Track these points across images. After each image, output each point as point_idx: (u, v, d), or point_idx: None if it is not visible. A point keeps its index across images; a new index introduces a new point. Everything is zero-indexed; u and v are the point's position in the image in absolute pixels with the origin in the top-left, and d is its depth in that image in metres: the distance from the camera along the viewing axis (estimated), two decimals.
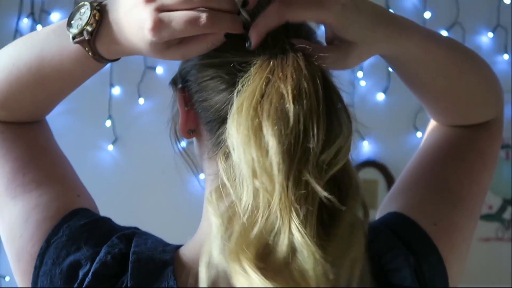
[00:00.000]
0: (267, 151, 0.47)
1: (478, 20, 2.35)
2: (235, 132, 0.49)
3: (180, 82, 0.62)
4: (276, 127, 0.47)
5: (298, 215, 0.46)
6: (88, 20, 0.55)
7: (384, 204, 0.70)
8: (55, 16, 2.27)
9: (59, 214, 0.62)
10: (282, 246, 0.46)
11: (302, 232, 0.45)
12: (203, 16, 0.50)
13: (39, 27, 2.25)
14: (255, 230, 0.47)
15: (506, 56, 2.34)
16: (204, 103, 0.58)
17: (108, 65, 2.25)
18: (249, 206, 0.48)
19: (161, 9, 0.50)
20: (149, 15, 0.50)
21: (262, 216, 0.47)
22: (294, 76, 0.50)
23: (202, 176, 0.68)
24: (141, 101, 2.27)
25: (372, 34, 0.56)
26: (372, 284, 0.57)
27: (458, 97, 0.68)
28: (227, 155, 0.52)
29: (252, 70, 0.52)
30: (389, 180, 2.33)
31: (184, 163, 0.70)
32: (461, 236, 0.66)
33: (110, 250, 0.58)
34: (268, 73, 0.51)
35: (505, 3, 2.32)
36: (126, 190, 2.27)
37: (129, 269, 0.56)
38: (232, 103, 0.52)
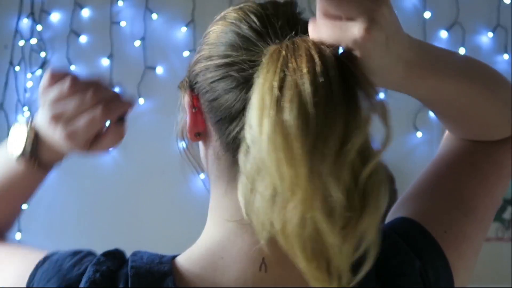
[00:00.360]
0: (293, 154, 0.47)
1: (478, 20, 2.35)
2: (258, 131, 0.48)
3: (189, 85, 0.62)
4: (300, 128, 0.47)
5: (322, 208, 0.46)
6: (26, 139, 0.65)
7: (394, 209, 0.69)
8: (55, 16, 2.27)
9: (30, 267, 0.63)
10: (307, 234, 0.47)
11: (326, 225, 0.46)
12: (97, 111, 0.59)
13: (39, 27, 2.26)
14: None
15: (506, 56, 2.35)
16: (214, 103, 0.58)
17: (108, 65, 2.24)
18: (266, 203, 0.48)
19: (67, 122, 0.59)
20: (59, 132, 0.60)
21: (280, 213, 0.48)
22: (309, 68, 0.48)
23: (202, 176, 0.68)
24: (141, 101, 2.27)
25: (387, 73, 0.53)
26: (377, 286, 0.57)
27: (474, 121, 0.67)
28: (246, 151, 0.51)
29: (264, 61, 0.51)
30: (389, 180, 2.33)
31: (188, 164, 0.70)
32: (470, 244, 0.65)
33: (98, 268, 0.59)
34: (282, 66, 0.50)
35: (505, 3, 2.32)
36: (126, 190, 2.27)
37: (129, 284, 0.57)
38: (243, 100, 0.53)
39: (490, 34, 2.34)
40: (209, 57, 0.59)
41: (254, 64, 0.54)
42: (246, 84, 0.54)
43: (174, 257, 0.61)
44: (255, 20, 0.57)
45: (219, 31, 0.59)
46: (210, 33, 0.61)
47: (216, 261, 0.58)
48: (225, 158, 0.58)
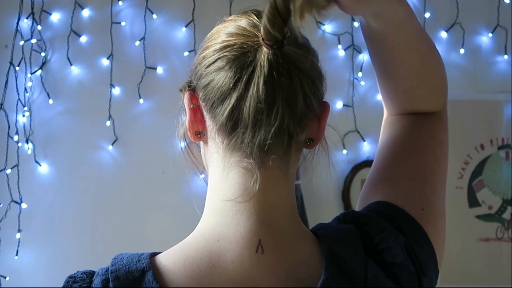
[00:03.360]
0: None
1: (478, 20, 2.35)
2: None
3: (188, 84, 0.67)
4: None
5: None
6: None
7: (363, 197, 0.73)
8: (55, 16, 2.28)
9: None
10: None
11: None
12: None
13: (39, 27, 2.26)
14: None
15: (506, 56, 2.35)
16: (208, 87, 0.62)
17: (108, 65, 2.25)
18: None
19: None
20: None
21: None
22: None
23: (202, 176, 0.69)
24: (141, 101, 2.27)
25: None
26: (370, 262, 0.60)
27: (425, 75, 0.73)
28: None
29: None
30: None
31: (189, 165, 0.73)
32: (441, 219, 0.70)
33: (82, 285, 0.61)
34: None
35: (505, 3, 2.32)
36: (126, 190, 2.27)
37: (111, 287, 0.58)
38: (231, 77, 0.59)
39: (490, 34, 2.34)
40: (208, 47, 0.64)
41: (244, 45, 0.60)
42: (236, 61, 0.60)
43: (155, 253, 0.63)
44: (254, 17, 0.64)
45: (220, 27, 0.65)
46: (211, 31, 0.66)
47: (212, 244, 0.60)
48: (221, 142, 0.62)
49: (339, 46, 2.32)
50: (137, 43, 2.28)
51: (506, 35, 2.34)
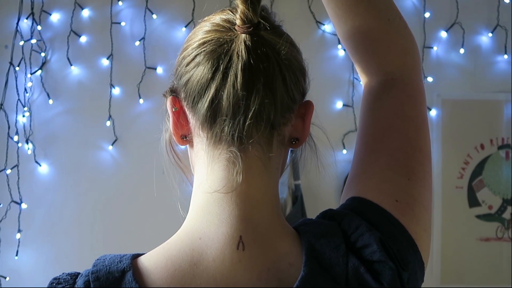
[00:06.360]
0: None
1: (477, 20, 2.35)
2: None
3: (170, 89, 0.67)
4: None
5: None
6: None
7: (343, 193, 0.72)
8: (55, 16, 2.28)
9: None
10: None
11: None
12: None
13: (39, 27, 2.26)
14: None
15: (506, 56, 2.35)
16: (188, 84, 0.62)
17: (108, 65, 2.25)
18: None
19: None
20: None
21: None
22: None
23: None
24: (141, 101, 2.27)
25: None
26: (351, 257, 0.60)
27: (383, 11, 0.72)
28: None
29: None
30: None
31: (176, 170, 0.73)
32: (421, 206, 0.67)
33: (65, 286, 0.61)
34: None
35: (505, 3, 2.32)
36: (126, 190, 2.27)
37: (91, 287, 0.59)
38: (210, 69, 0.60)
39: (490, 34, 2.34)
40: (186, 48, 0.65)
41: (221, 38, 0.61)
42: (213, 53, 0.60)
43: (139, 254, 0.63)
44: (228, 12, 0.65)
45: (196, 28, 0.66)
46: (189, 34, 0.67)
47: (194, 242, 0.60)
48: (205, 136, 0.62)
49: (339, 46, 2.32)
50: (137, 43, 2.28)
51: (506, 35, 2.34)
